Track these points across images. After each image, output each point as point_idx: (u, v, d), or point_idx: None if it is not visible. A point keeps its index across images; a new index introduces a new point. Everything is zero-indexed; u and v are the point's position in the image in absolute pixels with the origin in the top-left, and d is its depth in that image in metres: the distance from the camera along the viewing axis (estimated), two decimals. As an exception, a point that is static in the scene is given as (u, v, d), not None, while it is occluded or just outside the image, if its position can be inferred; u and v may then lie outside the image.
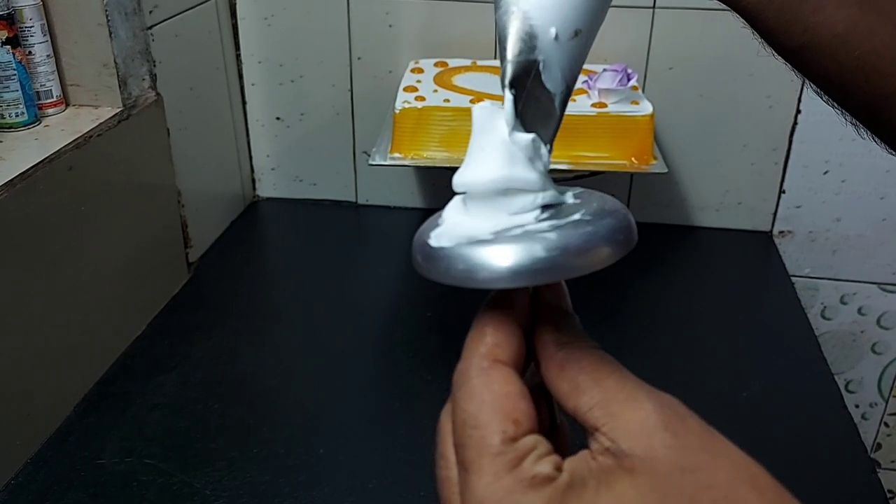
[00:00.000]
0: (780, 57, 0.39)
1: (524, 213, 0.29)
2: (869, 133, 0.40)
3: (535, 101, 0.30)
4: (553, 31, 0.30)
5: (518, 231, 0.29)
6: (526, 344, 0.30)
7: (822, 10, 0.36)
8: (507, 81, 0.30)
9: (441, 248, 0.29)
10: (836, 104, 0.39)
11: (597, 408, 0.27)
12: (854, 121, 0.39)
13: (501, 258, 0.27)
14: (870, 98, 0.37)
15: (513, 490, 0.26)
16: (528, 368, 0.30)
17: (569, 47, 0.30)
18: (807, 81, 0.40)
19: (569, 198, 0.31)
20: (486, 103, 0.31)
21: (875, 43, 0.36)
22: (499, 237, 0.28)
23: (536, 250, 0.27)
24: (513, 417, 0.27)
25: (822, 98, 0.40)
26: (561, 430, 0.31)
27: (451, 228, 0.30)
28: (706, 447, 0.26)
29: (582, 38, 0.31)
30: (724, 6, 0.39)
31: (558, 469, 0.26)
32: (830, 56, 0.36)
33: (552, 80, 0.30)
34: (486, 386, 0.27)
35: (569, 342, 0.29)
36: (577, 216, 0.29)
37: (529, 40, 0.30)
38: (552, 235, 0.28)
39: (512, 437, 0.26)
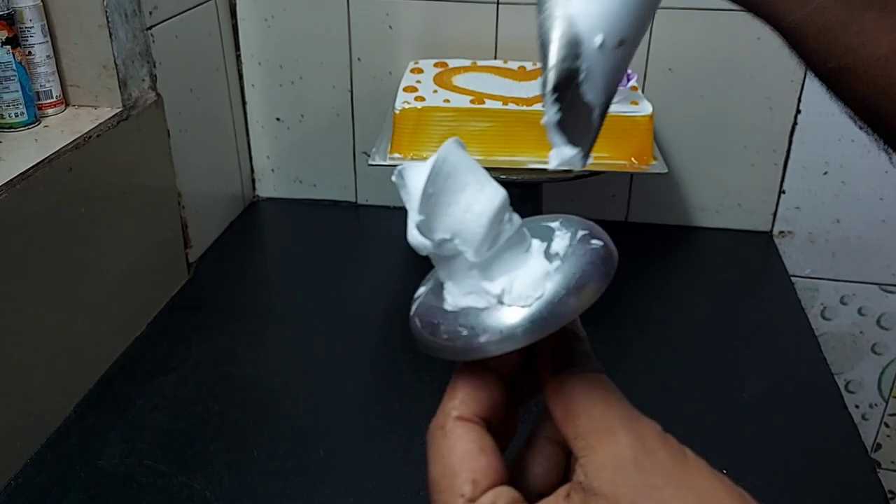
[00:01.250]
0: (817, 78, 0.38)
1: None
2: None
3: (575, 112, 0.29)
4: (599, 38, 0.28)
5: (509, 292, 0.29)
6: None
7: (866, 33, 0.35)
8: (549, 88, 0.28)
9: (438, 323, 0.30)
10: (870, 130, 0.38)
11: (580, 438, 0.27)
12: (887, 147, 0.39)
13: (506, 321, 0.28)
14: None
15: None
16: None
17: (613, 57, 0.29)
18: (843, 107, 0.38)
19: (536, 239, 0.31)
20: (447, 149, 0.30)
21: None
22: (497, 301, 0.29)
23: (532, 310, 0.28)
24: (471, 478, 0.28)
25: (855, 123, 0.39)
26: None
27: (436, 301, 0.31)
28: (671, 482, 0.25)
29: (626, 48, 0.29)
30: (734, 7, 0.38)
31: None
32: (870, 79, 0.35)
33: (594, 91, 0.29)
34: (446, 448, 0.29)
35: (566, 367, 0.29)
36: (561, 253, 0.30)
37: (574, 47, 0.28)
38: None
39: (470, 497, 0.28)
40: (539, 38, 0.29)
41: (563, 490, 0.27)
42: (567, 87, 0.28)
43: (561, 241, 0.30)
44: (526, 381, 0.32)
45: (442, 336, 0.30)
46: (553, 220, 0.32)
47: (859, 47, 0.35)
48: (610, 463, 0.26)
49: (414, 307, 0.32)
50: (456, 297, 0.30)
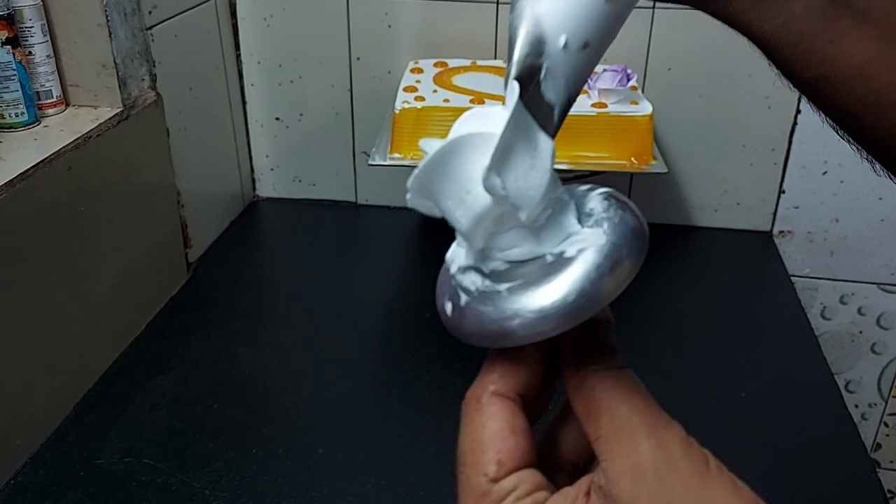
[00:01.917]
0: (795, 88, 0.38)
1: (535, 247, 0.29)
2: (885, 170, 0.39)
3: (535, 107, 0.30)
4: (563, 38, 0.29)
5: (540, 271, 0.28)
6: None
7: (840, 42, 0.35)
8: (510, 79, 0.29)
9: (467, 307, 0.29)
10: (851, 139, 0.38)
11: (602, 440, 0.27)
12: (869, 157, 0.39)
13: (541, 302, 0.27)
14: (886, 134, 0.36)
15: None
16: None
17: (576, 58, 0.30)
18: (824, 117, 0.38)
19: (571, 212, 0.30)
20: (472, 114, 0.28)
21: (893, 78, 0.35)
22: (527, 283, 0.27)
23: (567, 292, 0.26)
24: (497, 458, 0.27)
25: (837, 133, 0.38)
26: None
27: (467, 278, 0.30)
28: (691, 499, 0.25)
29: (590, 52, 0.30)
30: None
31: None
32: (847, 88, 0.35)
33: (555, 89, 0.30)
34: (479, 422, 0.28)
35: (588, 362, 0.28)
36: (602, 233, 0.28)
37: (538, 45, 0.29)
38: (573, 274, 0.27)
39: (493, 478, 0.27)
40: (508, 36, 0.30)
41: (583, 484, 0.27)
42: (529, 83, 0.29)
43: (590, 214, 0.29)
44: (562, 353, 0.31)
45: (471, 320, 0.28)
46: (582, 190, 0.31)
47: (834, 57, 0.35)
48: (630, 472, 0.26)
49: (440, 286, 0.31)
50: (485, 277, 0.29)
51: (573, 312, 0.26)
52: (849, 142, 0.38)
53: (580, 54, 0.30)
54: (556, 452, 0.31)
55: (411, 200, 0.29)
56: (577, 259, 0.27)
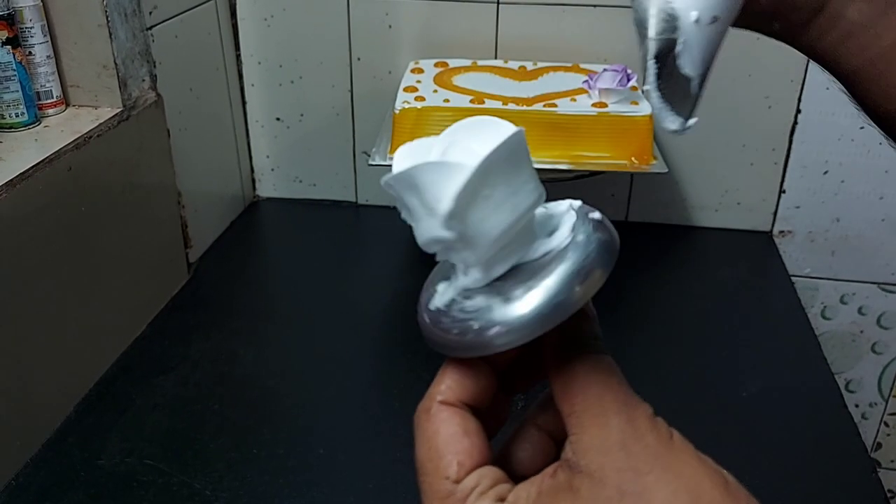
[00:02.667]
0: (874, 123, 0.38)
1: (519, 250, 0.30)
2: None
3: (674, 80, 0.31)
4: (694, 14, 0.31)
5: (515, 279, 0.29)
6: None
7: None
8: (650, 56, 0.31)
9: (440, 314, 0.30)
10: None
11: (573, 416, 0.28)
12: None
13: (521, 310, 0.28)
14: None
15: None
16: None
17: (707, 32, 0.31)
18: None
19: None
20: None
21: None
22: (506, 292, 0.29)
23: (543, 298, 0.28)
24: (456, 460, 0.28)
25: None
26: None
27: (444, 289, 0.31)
28: (656, 467, 0.26)
29: (719, 25, 0.32)
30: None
31: (500, 501, 0.28)
32: None
33: (691, 62, 0.31)
34: (431, 430, 0.29)
35: (572, 347, 0.29)
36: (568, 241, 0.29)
37: (671, 20, 0.31)
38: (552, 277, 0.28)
39: (454, 479, 0.28)
40: (635, 18, 0.32)
41: (550, 469, 0.28)
42: (665, 58, 0.31)
43: (563, 228, 0.30)
44: (521, 371, 0.32)
45: (452, 332, 0.30)
46: (553, 205, 0.32)
47: None
48: (599, 444, 0.27)
49: (422, 300, 0.32)
50: (465, 291, 0.30)
51: (545, 320, 0.28)
52: None
53: (710, 28, 0.31)
54: (509, 468, 0.32)
55: (385, 186, 0.30)
56: (551, 270, 0.28)
